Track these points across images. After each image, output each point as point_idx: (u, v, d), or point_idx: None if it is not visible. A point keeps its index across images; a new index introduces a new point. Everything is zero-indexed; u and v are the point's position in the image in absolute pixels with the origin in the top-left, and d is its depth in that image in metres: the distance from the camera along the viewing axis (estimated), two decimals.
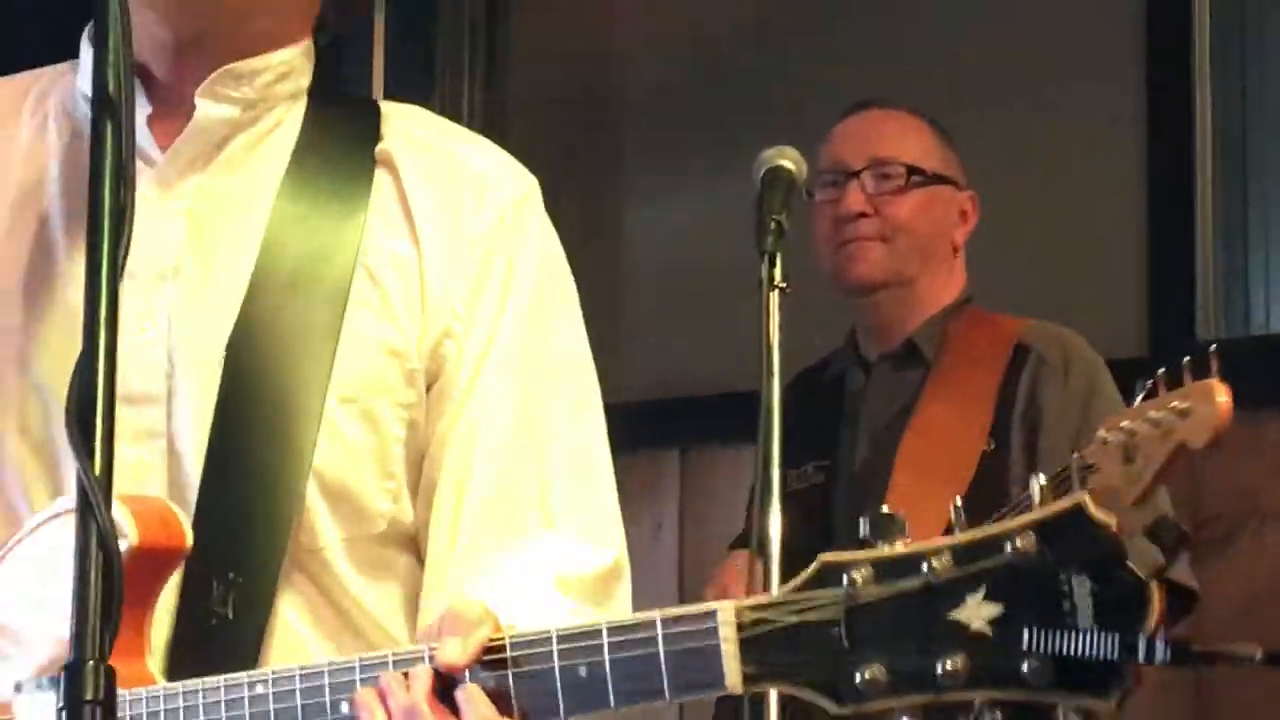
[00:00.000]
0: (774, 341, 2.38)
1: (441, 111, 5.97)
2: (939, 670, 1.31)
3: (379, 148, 1.86)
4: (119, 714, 1.49)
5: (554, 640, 1.48)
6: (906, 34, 4.47)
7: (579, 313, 1.94)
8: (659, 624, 1.43)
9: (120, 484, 1.53)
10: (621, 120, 5.06)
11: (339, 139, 1.88)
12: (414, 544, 1.84)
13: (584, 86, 5.10)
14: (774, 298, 2.39)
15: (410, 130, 1.91)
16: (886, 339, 3.13)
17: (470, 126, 5.51)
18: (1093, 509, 1.30)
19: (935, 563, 1.33)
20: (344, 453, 1.76)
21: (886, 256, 3.03)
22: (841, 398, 3.19)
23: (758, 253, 2.43)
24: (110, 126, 1.41)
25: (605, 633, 1.45)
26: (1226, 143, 4.11)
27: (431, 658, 1.51)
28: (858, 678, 1.33)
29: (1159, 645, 1.27)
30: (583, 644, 1.47)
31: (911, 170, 3.05)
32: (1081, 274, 4.04)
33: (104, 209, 1.40)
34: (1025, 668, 1.28)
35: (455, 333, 1.82)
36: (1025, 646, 1.29)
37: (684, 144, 4.81)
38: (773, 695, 2.29)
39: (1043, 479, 1.37)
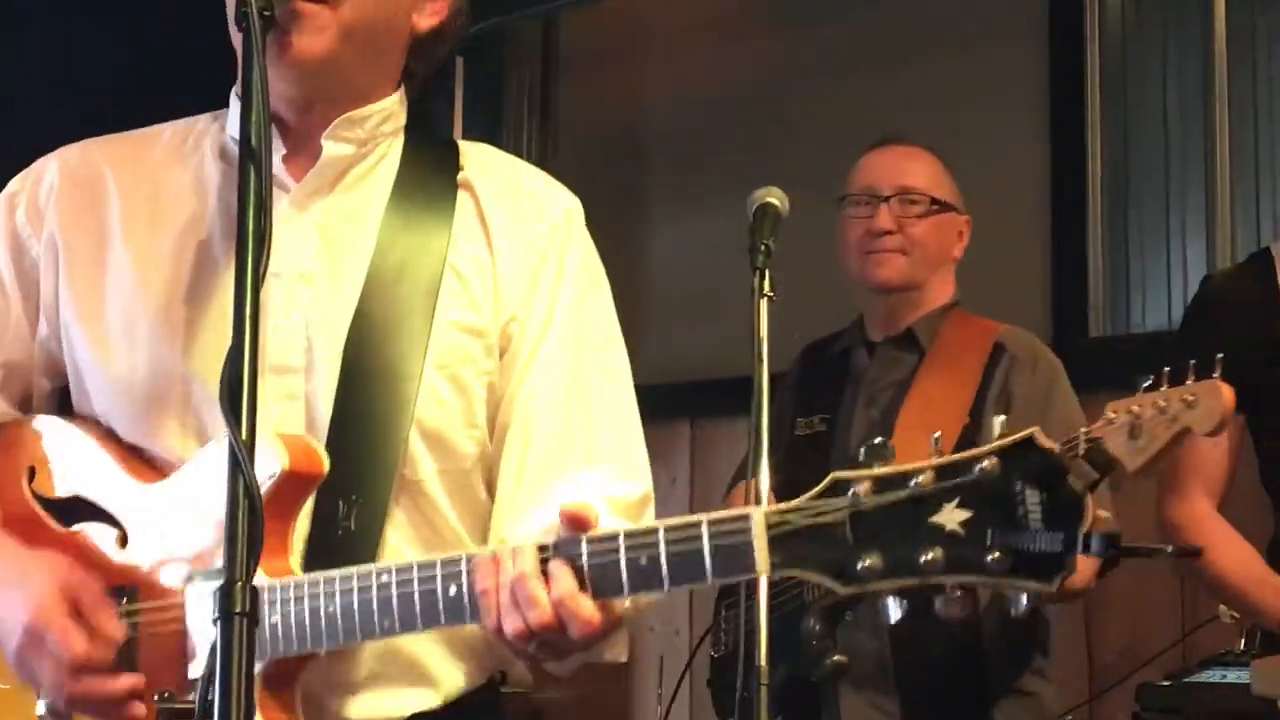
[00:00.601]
0: (763, 338, 2.38)
1: (513, 152, 5.94)
2: (921, 560, 1.36)
3: (460, 175, 1.92)
4: (273, 598, 1.65)
5: (621, 537, 1.52)
6: (866, 95, 4.63)
7: (611, 301, 1.98)
8: (705, 525, 1.47)
9: (269, 432, 1.70)
10: (646, 162, 5.22)
11: (429, 168, 1.93)
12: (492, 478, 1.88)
13: (617, 134, 5.29)
14: (763, 304, 2.40)
15: (483, 162, 1.97)
16: (890, 327, 3.15)
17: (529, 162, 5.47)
18: (1041, 438, 1.35)
19: (920, 479, 1.38)
20: (438, 407, 1.81)
21: (906, 266, 3.08)
22: (846, 368, 3.20)
23: (751, 268, 2.44)
24: (252, 167, 1.47)
25: (662, 531, 1.50)
26: (1112, 180, 4.23)
27: (540, 546, 1.56)
28: (859, 565, 1.38)
29: (1094, 541, 1.34)
30: (644, 540, 1.51)
31: (933, 201, 3.10)
32: (997, 281, 4.00)
33: (248, 232, 1.45)
34: (988, 559, 1.34)
35: (519, 316, 1.87)
36: (988, 543, 1.34)
37: (694, 181, 4.99)
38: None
39: (1002, 418, 1.42)
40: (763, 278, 2.42)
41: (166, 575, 1.74)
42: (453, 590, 1.58)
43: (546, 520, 1.76)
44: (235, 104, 1.91)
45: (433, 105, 5.27)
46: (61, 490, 1.84)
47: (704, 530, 1.47)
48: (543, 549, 1.55)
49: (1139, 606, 3.67)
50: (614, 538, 1.53)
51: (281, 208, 1.81)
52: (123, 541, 1.79)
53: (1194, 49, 4.15)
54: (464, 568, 1.58)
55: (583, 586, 1.53)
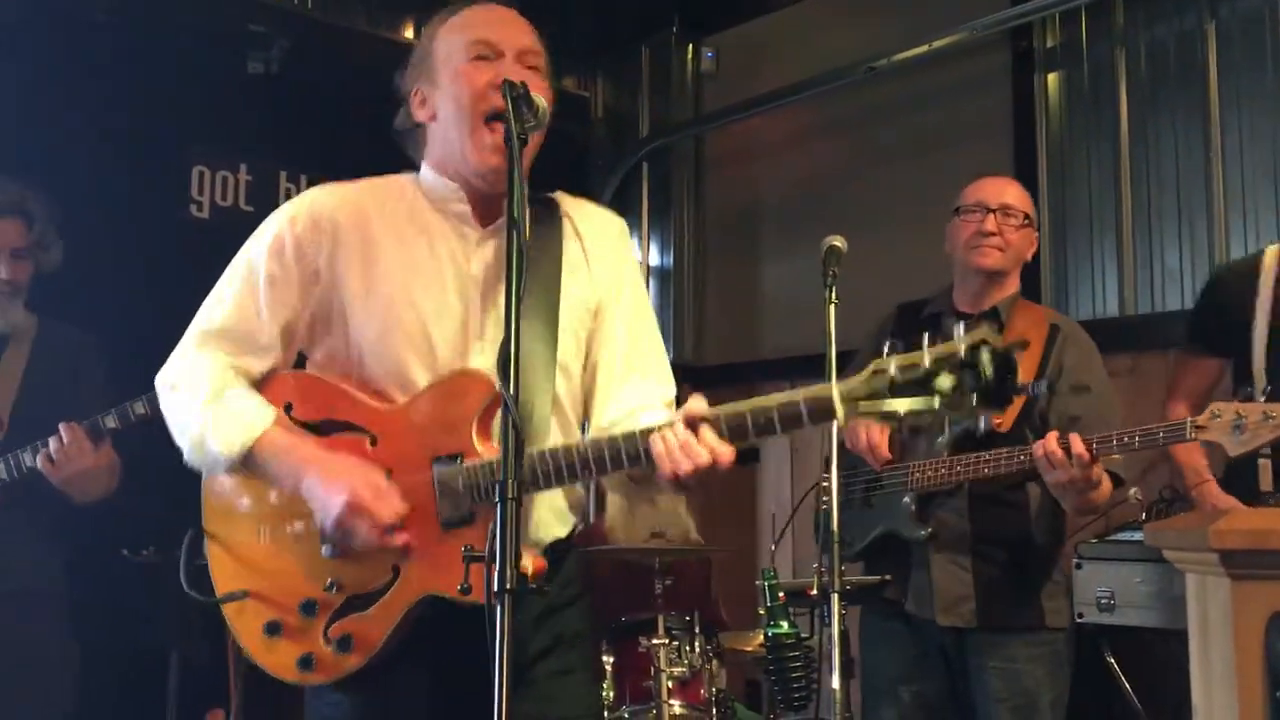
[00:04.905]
0: (831, 329, 2.31)
1: (678, 221, 5.55)
2: (935, 404, 1.41)
3: (562, 209, 1.85)
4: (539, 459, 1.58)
5: (747, 409, 1.51)
6: (897, 176, 4.48)
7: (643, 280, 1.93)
8: (802, 396, 1.47)
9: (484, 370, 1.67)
10: (760, 223, 5.08)
11: (544, 207, 1.83)
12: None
13: (741, 207, 5.17)
14: (831, 308, 2.34)
15: (567, 199, 1.88)
16: (978, 303, 2.74)
17: (688, 227, 5.28)
18: (992, 338, 1.39)
19: (928, 361, 1.41)
20: (564, 351, 1.77)
21: (1002, 258, 2.68)
22: (938, 328, 2.68)
23: (823, 285, 2.38)
24: (515, 229, 1.47)
25: (778, 405, 1.49)
26: (1055, 224, 4.04)
27: (686, 420, 1.52)
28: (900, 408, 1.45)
29: (1032, 386, 1.54)
30: (762, 406, 1.49)
31: (1025, 216, 2.73)
32: None
33: (514, 267, 1.46)
34: (969, 399, 1.38)
35: (605, 294, 1.83)
36: (964, 392, 1.38)
37: (789, 234, 4.87)
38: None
39: (964, 326, 1.43)
40: (831, 291, 2.37)
41: (411, 462, 1.68)
42: (634, 450, 1.55)
43: (625, 403, 1.78)
44: (427, 172, 1.81)
45: (630, 191, 5.38)
46: (318, 416, 1.75)
47: (801, 398, 1.48)
48: (688, 422, 1.52)
49: None
50: (742, 411, 1.51)
51: (475, 239, 1.78)
52: (373, 443, 1.71)
53: (1108, 142, 3.96)
54: (638, 441, 1.55)
55: (721, 436, 1.51)
